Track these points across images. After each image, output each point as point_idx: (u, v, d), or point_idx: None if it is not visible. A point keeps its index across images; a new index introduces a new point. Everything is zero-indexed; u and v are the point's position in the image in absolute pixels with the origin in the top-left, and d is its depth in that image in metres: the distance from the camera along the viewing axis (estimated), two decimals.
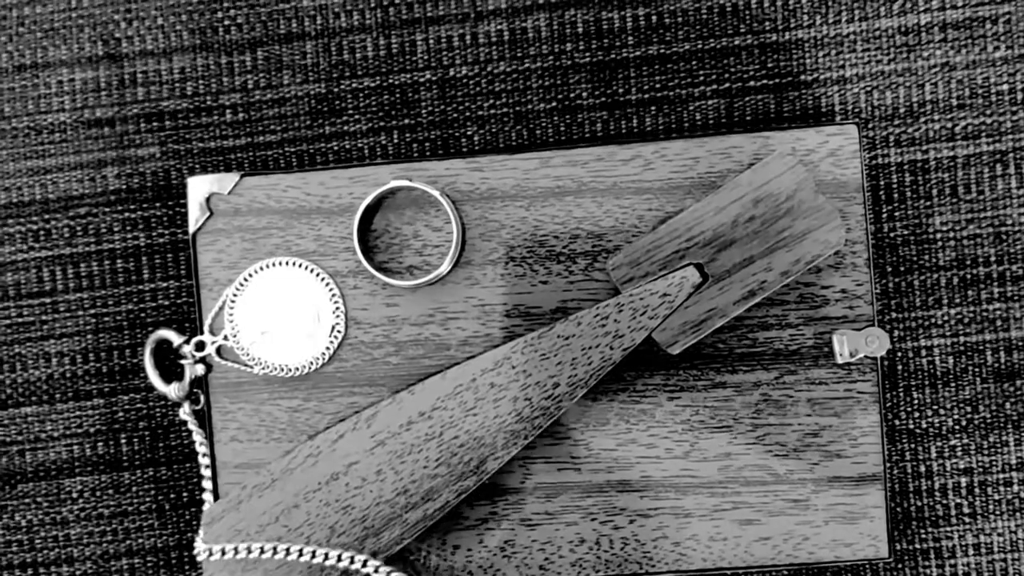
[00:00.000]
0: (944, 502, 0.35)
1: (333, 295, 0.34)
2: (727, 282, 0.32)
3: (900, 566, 0.35)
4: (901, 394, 0.35)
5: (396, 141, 0.35)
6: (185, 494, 0.36)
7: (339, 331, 0.34)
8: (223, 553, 0.33)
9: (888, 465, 0.34)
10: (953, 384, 0.34)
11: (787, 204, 0.32)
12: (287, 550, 0.33)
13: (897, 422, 0.34)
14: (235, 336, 0.34)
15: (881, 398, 0.33)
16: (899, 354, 0.35)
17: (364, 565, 0.33)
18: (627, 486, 0.34)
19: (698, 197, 0.33)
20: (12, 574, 0.36)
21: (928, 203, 0.34)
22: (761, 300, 0.33)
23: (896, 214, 0.35)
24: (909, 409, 0.35)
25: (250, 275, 0.34)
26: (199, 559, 0.33)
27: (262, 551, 0.33)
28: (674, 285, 0.32)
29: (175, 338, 0.35)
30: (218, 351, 0.34)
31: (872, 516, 0.33)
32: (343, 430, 0.33)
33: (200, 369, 0.34)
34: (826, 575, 0.35)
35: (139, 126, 0.36)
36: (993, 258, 0.34)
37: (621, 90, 0.35)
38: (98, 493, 0.36)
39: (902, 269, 0.34)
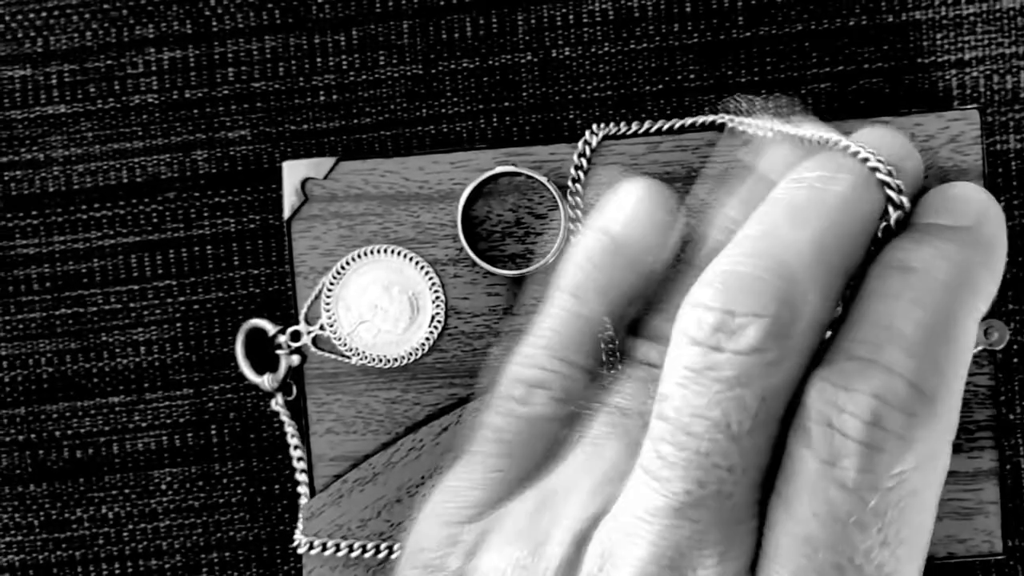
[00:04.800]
0: None
1: (433, 283, 0.33)
2: None
3: (1012, 563, 0.34)
4: (1017, 387, 0.34)
5: (495, 124, 0.34)
6: (277, 487, 0.35)
7: (439, 321, 0.33)
8: (324, 548, 0.32)
9: (1004, 460, 0.33)
10: None
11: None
12: (390, 548, 0.32)
13: (1012, 416, 0.34)
14: (332, 325, 0.33)
15: (997, 391, 0.32)
16: (1015, 347, 0.34)
17: None
18: None
19: None
20: (99, 567, 0.35)
21: None
22: None
23: (1015, 202, 0.34)
24: None
25: (347, 263, 0.33)
26: (300, 551, 0.32)
27: (364, 549, 0.32)
28: None
29: (270, 327, 0.34)
30: (314, 341, 0.33)
31: (987, 512, 0.33)
32: (447, 423, 0.32)
33: (295, 359, 0.34)
34: (936, 572, 0.34)
35: (229, 108, 0.35)
36: None
37: (730, 72, 0.34)
38: (188, 485, 0.35)
39: (1020, 259, 0.33)
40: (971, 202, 0.26)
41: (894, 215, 0.26)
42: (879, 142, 0.26)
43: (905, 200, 0.26)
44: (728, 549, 0.24)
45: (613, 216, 0.29)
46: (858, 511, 0.23)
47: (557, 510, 0.26)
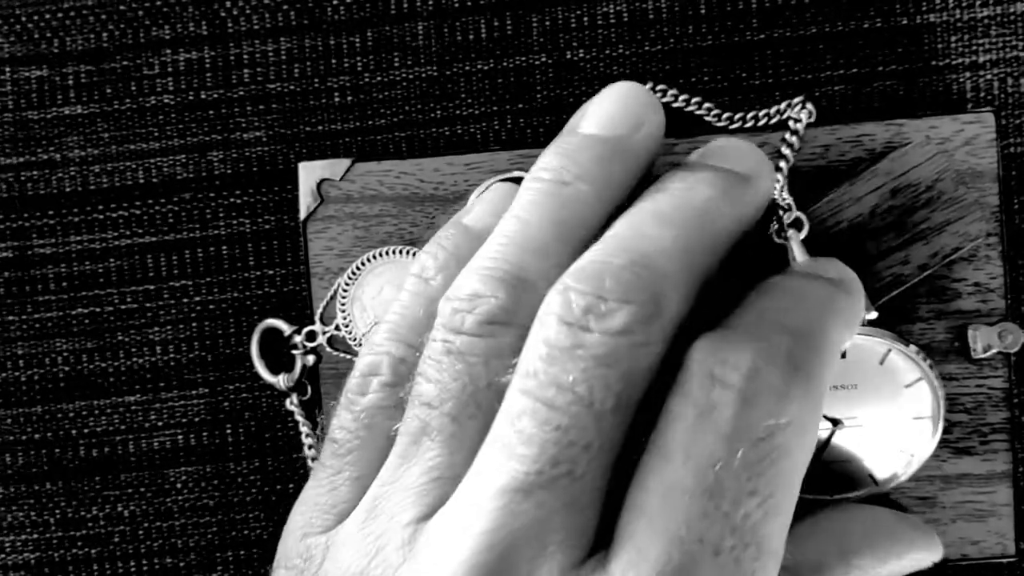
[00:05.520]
0: None
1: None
2: (861, 275, 0.31)
3: None
4: None
5: (509, 126, 0.34)
6: (291, 486, 0.35)
7: None
8: None
9: (1017, 463, 0.33)
10: None
11: (926, 195, 0.31)
12: None
13: None
14: (347, 326, 0.33)
15: (1011, 394, 0.32)
16: None
17: None
18: None
19: (828, 186, 0.32)
20: (115, 565, 0.35)
21: None
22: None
23: None
24: None
25: (362, 263, 0.33)
26: None
27: None
28: None
29: (285, 328, 0.34)
30: (329, 341, 0.34)
31: (1000, 514, 0.33)
32: None
33: (310, 360, 0.34)
34: (948, 574, 0.34)
35: (245, 109, 0.35)
36: None
37: (744, 75, 0.34)
38: (203, 484, 0.35)
39: None
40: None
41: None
42: (735, 154, 0.28)
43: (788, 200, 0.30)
44: (567, 538, 0.24)
45: (473, 207, 0.31)
46: (729, 458, 0.24)
47: (387, 511, 0.26)
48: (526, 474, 0.24)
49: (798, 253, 0.30)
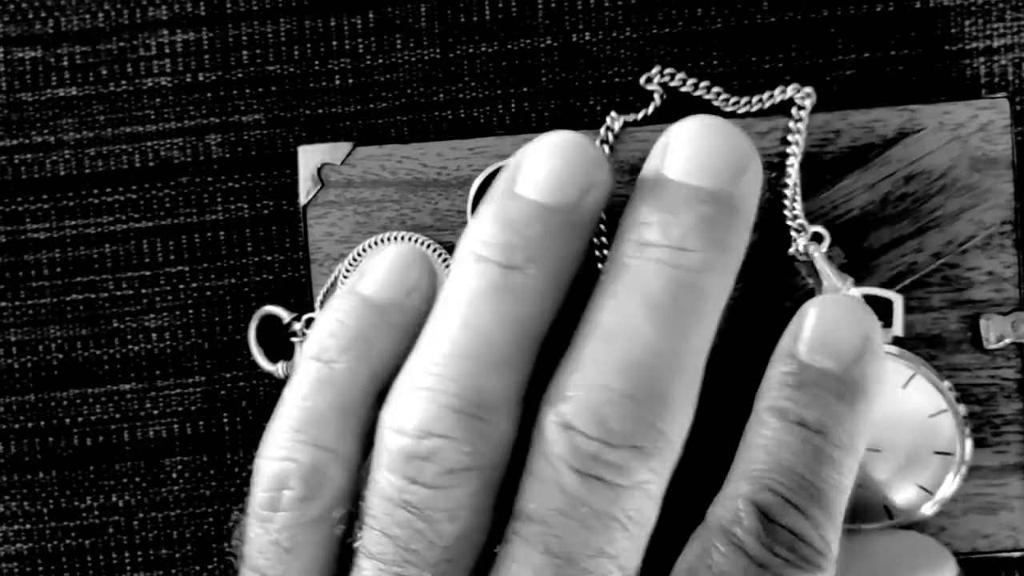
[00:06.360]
0: None
1: (450, 271, 0.32)
2: (874, 264, 0.31)
3: None
4: None
5: (513, 110, 0.34)
6: None
7: None
8: None
9: None
10: None
11: (940, 182, 0.30)
12: None
13: None
14: None
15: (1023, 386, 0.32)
16: None
17: None
18: None
19: (839, 173, 0.31)
20: (109, 556, 0.35)
21: None
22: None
23: None
24: None
25: (363, 250, 0.33)
26: None
27: None
28: None
29: (284, 315, 0.33)
30: None
31: (1012, 507, 0.32)
32: None
33: None
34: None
35: (243, 91, 0.34)
36: None
37: (754, 59, 0.33)
38: (199, 474, 0.34)
39: None
40: None
41: None
42: (707, 154, 0.25)
43: (801, 220, 0.29)
44: None
45: (367, 276, 0.28)
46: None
47: None
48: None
49: (829, 272, 0.29)
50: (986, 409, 0.32)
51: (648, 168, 0.26)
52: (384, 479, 0.24)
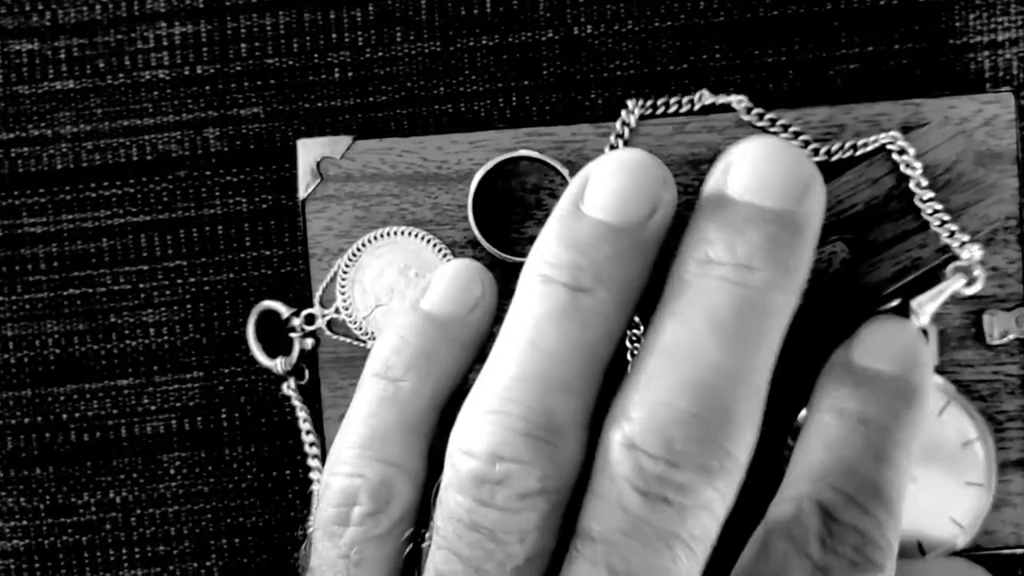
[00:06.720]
0: None
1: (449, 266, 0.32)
2: (878, 258, 0.30)
3: None
4: None
5: (515, 104, 0.33)
6: (288, 472, 0.34)
7: None
8: None
9: None
10: None
11: (945, 176, 0.30)
12: None
13: None
14: (347, 309, 0.32)
15: None
16: None
17: None
18: None
19: (844, 167, 0.31)
20: (106, 552, 0.34)
21: None
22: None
23: None
24: None
25: (363, 244, 0.32)
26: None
27: None
28: (822, 261, 0.30)
29: (283, 310, 0.33)
30: (329, 324, 0.33)
31: (1015, 503, 0.32)
32: None
33: (309, 343, 0.33)
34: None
35: (242, 84, 0.34)
36: None
37: (757, 52, 0.33)
38: (197, 470, 0.34)
39: None
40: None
41: None
42: (775, 173, 0.25)
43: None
44: None
45: (429, 293, 0.28)
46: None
47: None
48: None
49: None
50: (989, 405, 0.32)
51: (710, 187, 0.25)
52: (454, 500, 0.24)
